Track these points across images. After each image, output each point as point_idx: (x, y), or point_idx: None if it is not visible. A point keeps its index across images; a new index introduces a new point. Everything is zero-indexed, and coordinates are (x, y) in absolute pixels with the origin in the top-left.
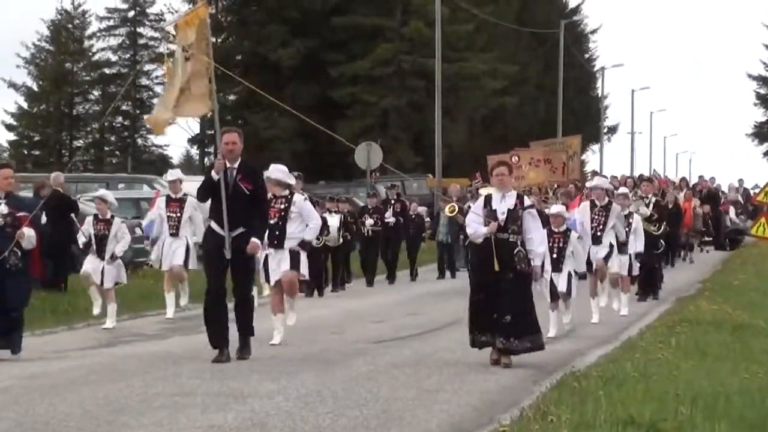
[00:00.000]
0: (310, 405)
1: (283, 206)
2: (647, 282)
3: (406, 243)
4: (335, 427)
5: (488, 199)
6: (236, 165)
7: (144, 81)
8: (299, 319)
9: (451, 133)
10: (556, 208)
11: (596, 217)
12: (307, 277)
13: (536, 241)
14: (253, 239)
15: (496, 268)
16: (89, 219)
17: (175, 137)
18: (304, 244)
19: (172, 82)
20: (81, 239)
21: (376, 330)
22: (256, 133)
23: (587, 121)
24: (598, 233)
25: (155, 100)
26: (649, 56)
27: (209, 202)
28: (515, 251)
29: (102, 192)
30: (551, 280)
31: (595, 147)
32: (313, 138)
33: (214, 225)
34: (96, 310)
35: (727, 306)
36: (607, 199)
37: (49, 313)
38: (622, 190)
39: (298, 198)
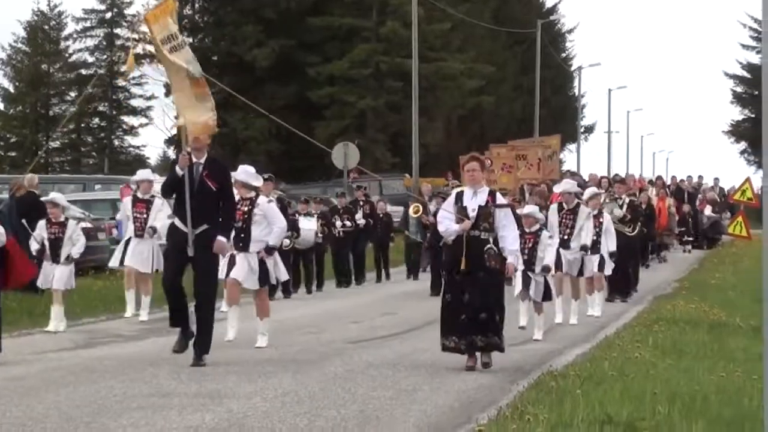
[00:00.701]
0: (288, 405)
1: (247, 208)
2: (619, 284)
3: (374, 244)
4: (312, 427)
5: (459, 196)
6: (202, 161)
7: (121, 82)
8: (276, 320)
9: (428, 133)
10: (528, 209)
11: (564, 220)
12: (285, 278)
13: (509, 238)
14: (220, 238)
15: (463, 266)
16: (41, 223)
17: (152, 138)
18: (269, 249)
19: (178, 85)
20: (33, 245)
21: (353, 330)
22: (234, 134)
23: (564, 120)
24: (566, 237)
25: (133, 101)
26: (626, 55)
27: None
28: (486, 248)
29: (53, 195)
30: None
31: (572, 147)
32: (290, 139)
33: (177, 222)
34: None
35: (704, 305)
36: (575, 201)
37: (25, 315)
38: (591, 190)
39: (263, 200)
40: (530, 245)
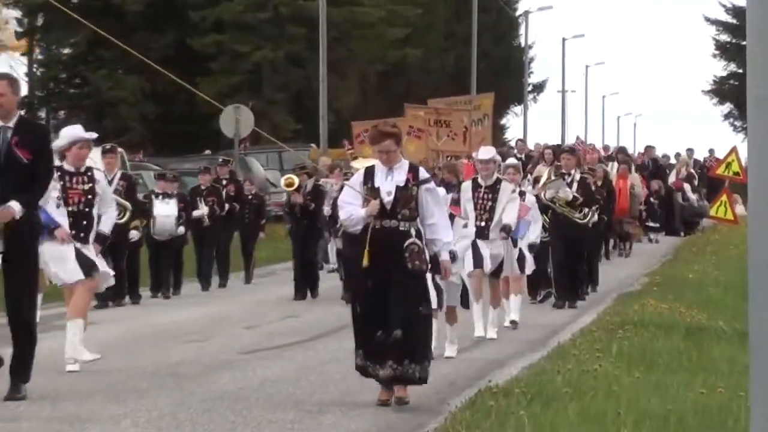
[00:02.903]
0: (165, 431)
1: (87, 186)
2: (569, 285)
3: (240, 234)
4: None
5: (369, 174)
6: (11, 124)
7: None
8: (150, 324)
9: (339, 94)
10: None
11: (480, 201)
12: (112, 277)
13: (440, 226)
14: (10, 204)
15: (365, 260)
16: None
17: None
18: (101, 238)
19: None
20: None
21: (246, 337)
22: (97, 94)
23: (507, 76)
24: (482, 223)
25: None
26: None
27: None
28: (407, 244)
29: None
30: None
31: (518, 109)
32: (168, 99)
33: None
34: None
35: (680, 304)
36: (495, 176)
37: None
38: (510, 161)
39: (100, 177)
40: None
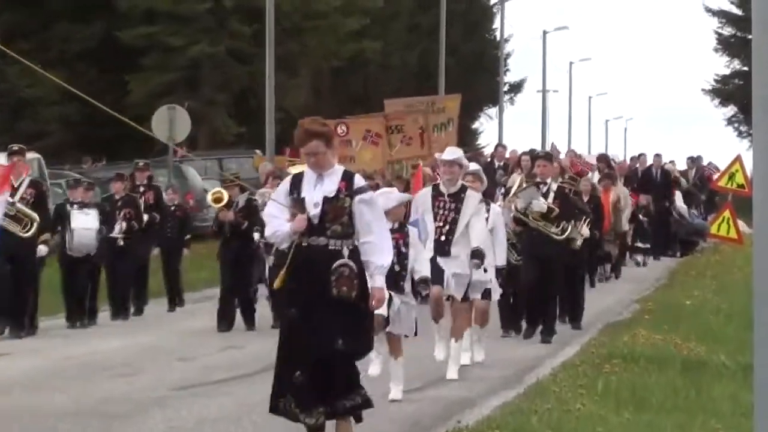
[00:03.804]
0: None
1: None
2: (541, 313)
3: (161, 251)
4: None
5: (296, 182)
6: None
7: None
8: (68, 357)
9: (288, 93)
10: (396, 198)
11: (442, 212)
12: None
13: (375, 246)
14: None
15: (278, 282)
16: None
17: None
18: None
19: None
20: None
21: (180, 371)
22: (13, 92)
23: (480, 74)
24: (443, 237)
25: None
26: None
27: None
28: (335, 266)
29: None
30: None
31: (492, 111)
32: (95, 99)
33: None
34: None
35: (675, 335)
36: (460, 183)
37: None
38: (473, 167)
39: None
40: (402, 249)
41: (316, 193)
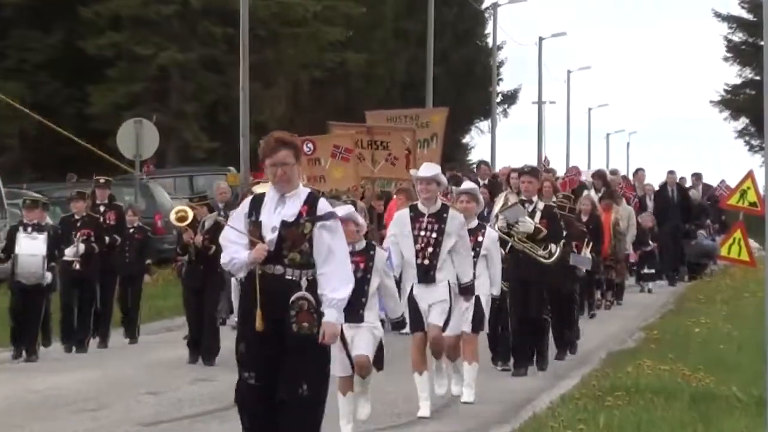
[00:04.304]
0: None
1: None
2: (532, 343)
3: (120, 278)
4: None
5: (256, 204)
6: None
7: None
8: (28, 391)
9: (264, 105)
10: (343, 210)
11: (423, 233)
12: None
13: (331, 277)
14: None
15: (258, 325)
16: None
17: None
18: None
19: None
20: None
21: (148, 406)
22: None
23: (472, 84)
24: (426, 261)
25: None
26: None
27: None
28: (293, 299)
29: None
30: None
31: (484, 125)
32: (52, 112)
33: None
34: None
35: (683, 365)
36: (439, 202)
37: None
38: (466, 185)
39: None
40: (361, 274)
41: (275, 216)
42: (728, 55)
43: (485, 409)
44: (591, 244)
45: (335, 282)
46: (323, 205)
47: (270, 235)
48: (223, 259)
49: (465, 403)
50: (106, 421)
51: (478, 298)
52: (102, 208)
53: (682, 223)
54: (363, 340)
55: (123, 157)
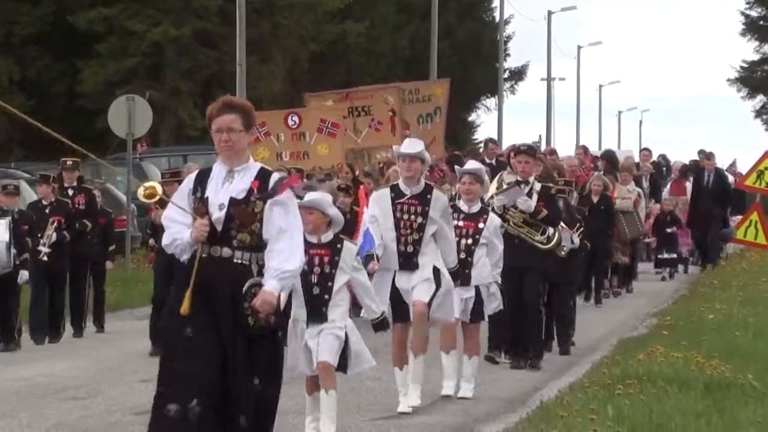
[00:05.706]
0: None
1: None
2: (526, 334)
3: (90, 264)
4: None
5: (201, 178)
6: None
7: None
8: (16, 379)
9: (262, 80)
10: (310, 196)
11: (405, 215)
12: None
13: (282, 254)
14: None
15: (184, 307)
16: None
17: None
18: None
19: None
20: None
21: (140, 393)
22: None
23: (478, 60)
24: (409, 248)
25: None
26: None
27: None
28: (247, 288)
29: None
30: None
31: (491, 102)
32: (42, 89)
33: None
34: None
35: (697, 353)
36: (423, 182)
37: None
38: (470, 165)
39: None
40: (323, 268)
41: (222, 192)
42: (745, 30)
43: (493, 396)
44: (581, 230)
45: (285, 255)
46: (276, 177)
47: (217, 213)
48: (165, 240)
49: (462, 398)
50: (97, 410)
51: (477, 288)
52: (71, 192)
53: (718, 209)
54: (325, 344)
55: (115, 136)
